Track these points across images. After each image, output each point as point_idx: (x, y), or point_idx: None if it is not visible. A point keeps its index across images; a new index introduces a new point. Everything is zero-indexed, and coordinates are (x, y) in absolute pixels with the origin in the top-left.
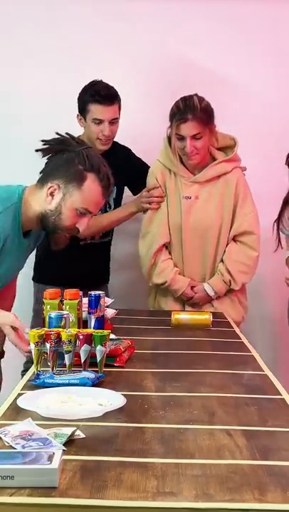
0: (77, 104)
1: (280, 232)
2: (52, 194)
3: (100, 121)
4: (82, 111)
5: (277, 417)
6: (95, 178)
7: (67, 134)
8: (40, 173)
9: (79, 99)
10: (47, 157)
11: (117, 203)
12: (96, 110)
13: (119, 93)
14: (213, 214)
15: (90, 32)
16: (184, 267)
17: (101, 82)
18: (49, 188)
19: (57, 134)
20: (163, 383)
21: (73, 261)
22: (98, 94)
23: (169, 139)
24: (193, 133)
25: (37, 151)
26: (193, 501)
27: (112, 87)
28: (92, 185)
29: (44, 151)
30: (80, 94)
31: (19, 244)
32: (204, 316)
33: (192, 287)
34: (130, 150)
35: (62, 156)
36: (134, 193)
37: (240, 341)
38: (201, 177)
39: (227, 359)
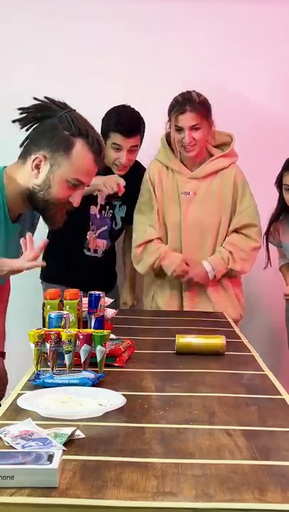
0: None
1: (270, 244)
2: (38, 166)
3: (118, 148)
4: (104, 135)
5: (277, 417)
6: (83, 144)
7: (45, 97)
8: (21, 146)
9: (103, 121)
10: (26, 129)
11: (126, 221)
12: (116, 139)
13: (144, 120)
14: (212, 210)
15: (89, 34)
16: None
17: (128, 110)
18: (34, 160)
19: (35, 99)
20: (163, 383)
21: (75, 269)
22: (121, 125)
23: (167, 136)
24: (191, 124)
25: (14, 121)
26: (193, 501)
27: (137, 118)
28: (81, 151)
29: (23, 121)
30: (104, 116)
31: (7, 229)
32: (216, 340)
33: (187, 264)
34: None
35: (44, 124)
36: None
37: (240, 341)
38: (199, 172)
39: (227, 359)
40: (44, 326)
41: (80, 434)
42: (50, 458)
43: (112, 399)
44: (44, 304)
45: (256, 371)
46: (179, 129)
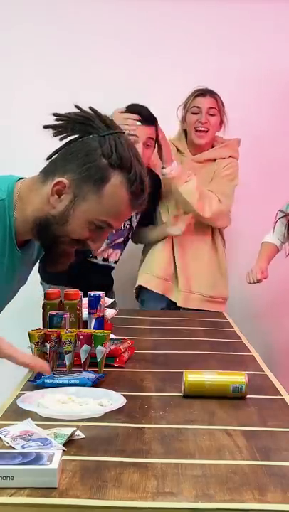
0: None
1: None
2: (59, 193)
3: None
4: None
5: (277, 417)
6: (122, 180)
7: (90, 108)
8: (48, 159)
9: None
10: (59, 138)
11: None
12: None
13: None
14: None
15: (89, 34)
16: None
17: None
18: (55, 184)
19: (76, 107)
20: (163, 383)
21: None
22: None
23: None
24: (209, 105)
25: (46, 127)
26: (193, 501)
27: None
28: (116, 189)
29: (56, 129)
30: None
31: (10, 258)
32: (236, 378)
33: None
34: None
35: (81, 142)
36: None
37: (240, 341)
38: (200, 157)
39: (227, 359)
40: (44, 326)
41: (80, 434)
42: (50, 458)
43: (112, 399)
44: (44, 304)
45: (256, 371)
46: (196, 112)
